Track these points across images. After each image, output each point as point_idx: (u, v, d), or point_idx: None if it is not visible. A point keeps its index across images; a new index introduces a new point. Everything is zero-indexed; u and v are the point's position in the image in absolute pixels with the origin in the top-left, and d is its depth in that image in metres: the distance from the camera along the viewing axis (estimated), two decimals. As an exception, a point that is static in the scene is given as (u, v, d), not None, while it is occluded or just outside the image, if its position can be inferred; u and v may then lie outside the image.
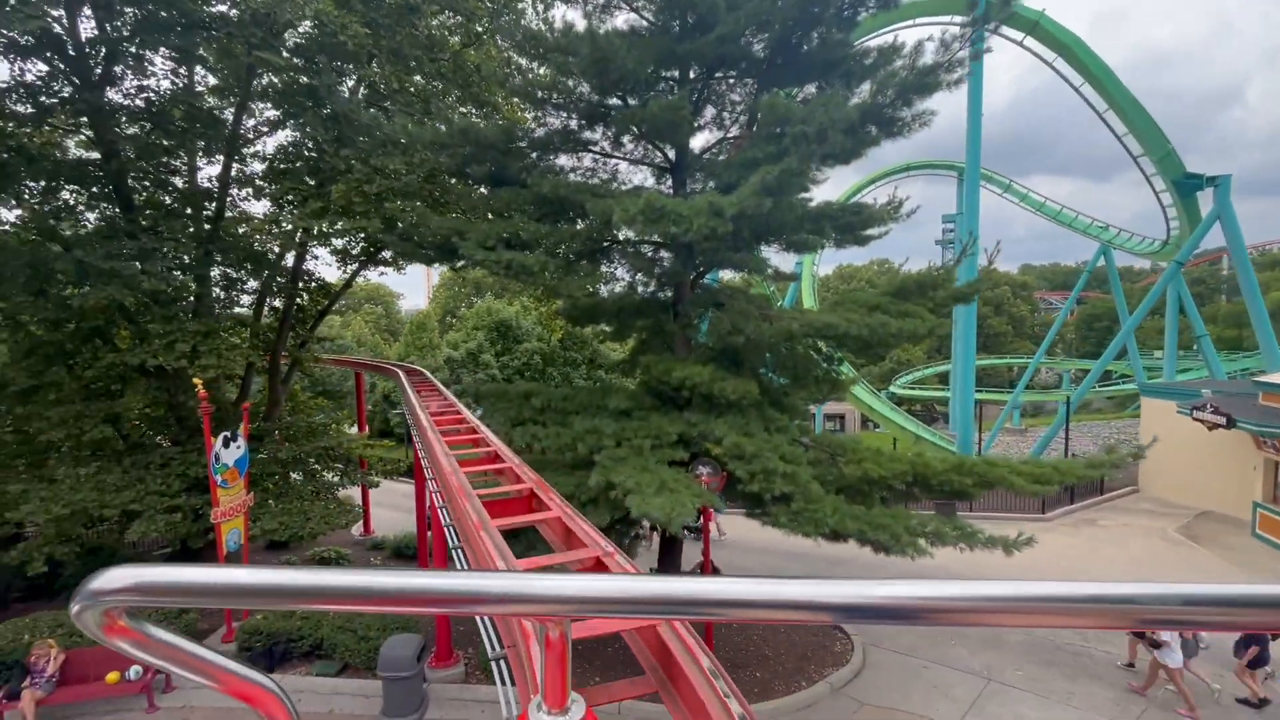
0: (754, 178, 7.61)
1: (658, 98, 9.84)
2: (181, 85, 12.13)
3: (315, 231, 11.23)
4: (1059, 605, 0.58)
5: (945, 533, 9.43)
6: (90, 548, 13.65)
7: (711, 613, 0.65)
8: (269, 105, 13.08)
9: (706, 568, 10.15)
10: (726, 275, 14.52)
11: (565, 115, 11.07)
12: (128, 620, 0.63)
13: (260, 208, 13.24)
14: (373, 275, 21.32)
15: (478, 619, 3.91)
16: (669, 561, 12.28)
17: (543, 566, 3.78)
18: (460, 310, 54.15)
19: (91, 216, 12.61)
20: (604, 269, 12.28)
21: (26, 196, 11.14)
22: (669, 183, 11.41)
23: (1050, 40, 27.02)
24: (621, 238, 11.14)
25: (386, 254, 18.06)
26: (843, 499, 9.96)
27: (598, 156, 11.38)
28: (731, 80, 11.21)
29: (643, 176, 11.57)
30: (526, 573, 0.68)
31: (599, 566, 3.54)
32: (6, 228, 11.52)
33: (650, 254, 11.30)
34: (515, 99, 12.58)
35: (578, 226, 10.72)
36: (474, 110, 14.06)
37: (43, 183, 11.43)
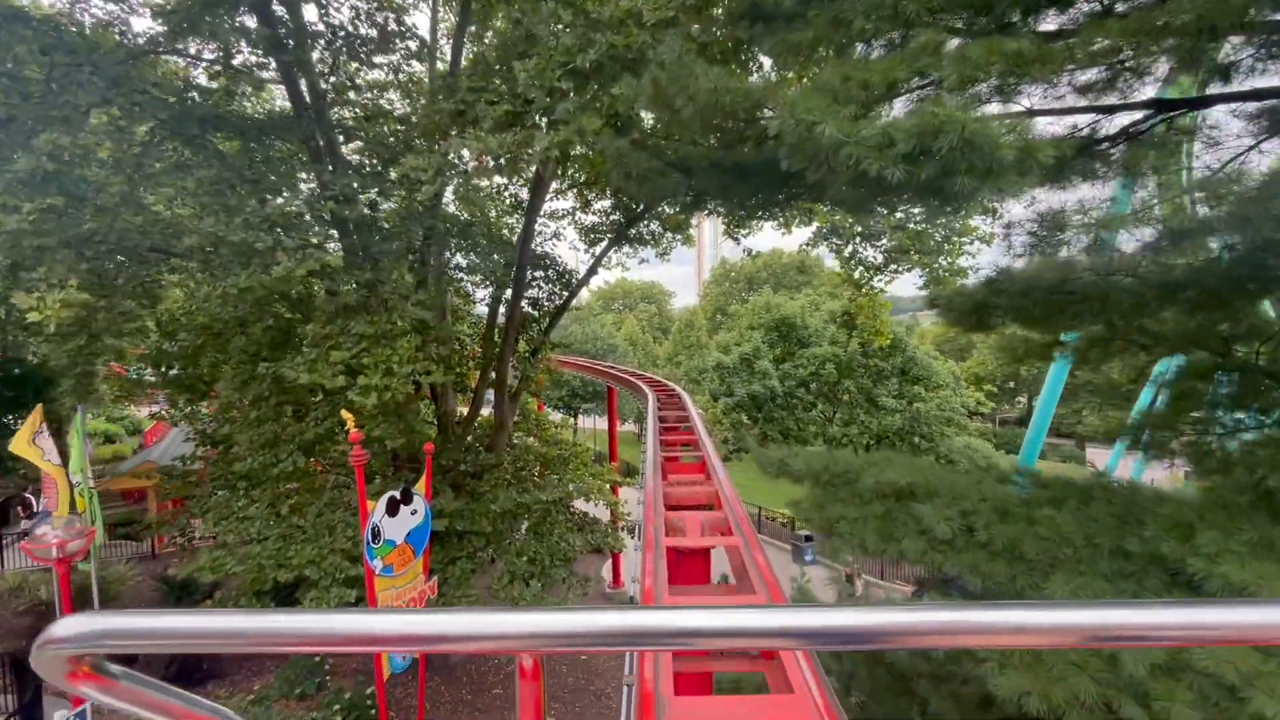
0: None
1: None
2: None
3: (511, 159, 6.62)
4: (1011, 629, 0.61)
5: None
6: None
7: (671, 643, 0.66)
8: None
9: None
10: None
11: None
12: (91, 667, 0.62)
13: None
14: (631, 265, 17.23)
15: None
16: None
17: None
18: (730, 308, 49.67)
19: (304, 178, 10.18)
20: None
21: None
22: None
23: None
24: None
25: (643, 229, 13.44)
26: None
27: None
28: None
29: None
30: (492, 610, 0.66)
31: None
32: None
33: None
34: None
35: (1095, 48, 3.79)
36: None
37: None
